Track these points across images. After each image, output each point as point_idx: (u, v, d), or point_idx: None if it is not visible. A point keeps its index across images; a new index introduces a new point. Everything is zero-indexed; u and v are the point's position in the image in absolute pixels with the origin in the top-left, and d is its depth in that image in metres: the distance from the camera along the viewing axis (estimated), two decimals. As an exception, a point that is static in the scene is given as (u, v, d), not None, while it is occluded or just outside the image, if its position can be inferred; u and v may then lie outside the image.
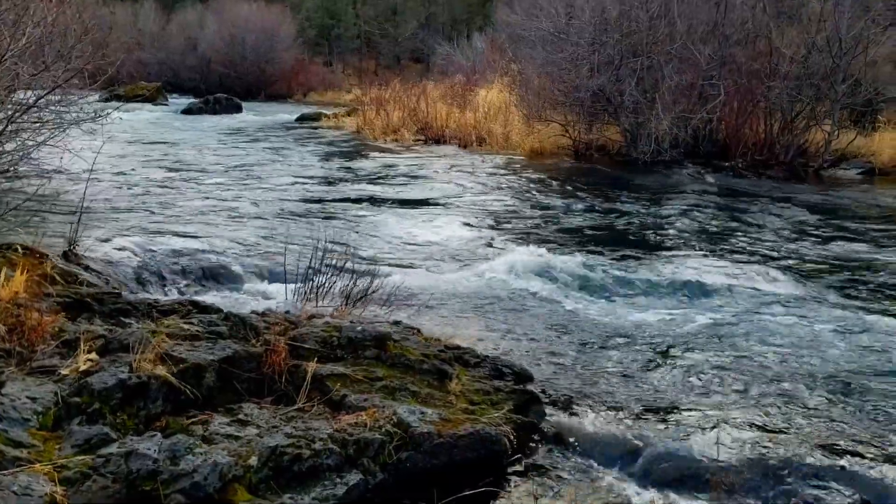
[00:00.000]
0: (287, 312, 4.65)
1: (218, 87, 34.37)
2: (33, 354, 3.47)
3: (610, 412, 3.99)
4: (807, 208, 10.50)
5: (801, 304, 6.12)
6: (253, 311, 4.53)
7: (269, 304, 5.28)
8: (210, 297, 5.45)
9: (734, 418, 3.89)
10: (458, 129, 17.57)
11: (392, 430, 3.21)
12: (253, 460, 2.88)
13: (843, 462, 3.44)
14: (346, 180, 11.99)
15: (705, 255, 7.61)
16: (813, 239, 8.62)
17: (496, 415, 3.56)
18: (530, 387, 4.07)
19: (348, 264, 5.81)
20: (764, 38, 14.20)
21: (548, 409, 3.92)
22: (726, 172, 13.56)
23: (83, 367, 3.29)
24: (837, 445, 3.63)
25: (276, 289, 5.83)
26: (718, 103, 13.72)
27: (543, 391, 4.15)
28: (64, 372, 3.27)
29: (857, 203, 11.11)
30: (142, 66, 36.80)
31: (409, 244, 7.86)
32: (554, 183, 12.21)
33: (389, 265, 6.83)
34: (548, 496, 3.23)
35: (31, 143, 7.06)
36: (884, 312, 5.91)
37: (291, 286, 5.63)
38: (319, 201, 9.97)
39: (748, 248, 8.10)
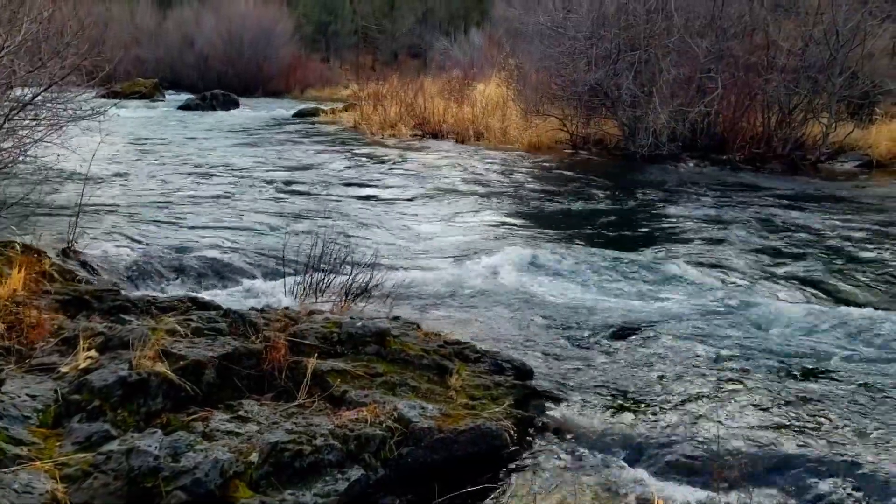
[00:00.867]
0: (287, 308, 4.64)
1: (215, 83, 34.28)
2: (33, 352, 3.47)
3: (611, 406, 3.99)
4: (804, 201, 10.50)
5: (801, 297, 6.13)
6: (252, 308, 4.52)
7: (269, 301, 5.28)
8: (209, 294, 5.45)
9: (736, 412, 3.90)
10: (455, 124, 17.57)
11: (393, 425, 3.21)
12: (254, 457, 2.88)
13: (844, 455, 3.45)
14: (344, 176, 11.98)
15: (705, 249, 7.61)
16: (811, 231, 8.63)
17: (496, 410, 3.56)
18: (530, 382, 4.07)
19: (347, 260, 5.81)
20: (761, 31, 14.20)
21: (548, 404, 3.92)
22: (724, 166, 13.56)
23: (83, 365, 3.29)
24: (839, 438, 3.63)
25: (276, 285, 5.83)
26: (716, 97, 13.72)
27: (543, 386, 4.15)
28: (64, 369, 3.27)
29: (854, 195, 11.11)
30: (139, 63, 36.77)
31: (408, 239, 7.85)
32: (552, 177, 12.20)
33: (388, 261, 6.83)
34: (548, 490, 3.23)
35: (27, 140, 7.04)
36: (882, 304, 5.91)
37: (291, 282, 5.63)
38: (317, 197, 9.96)
39: (747, 241, 8.11)
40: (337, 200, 9.76)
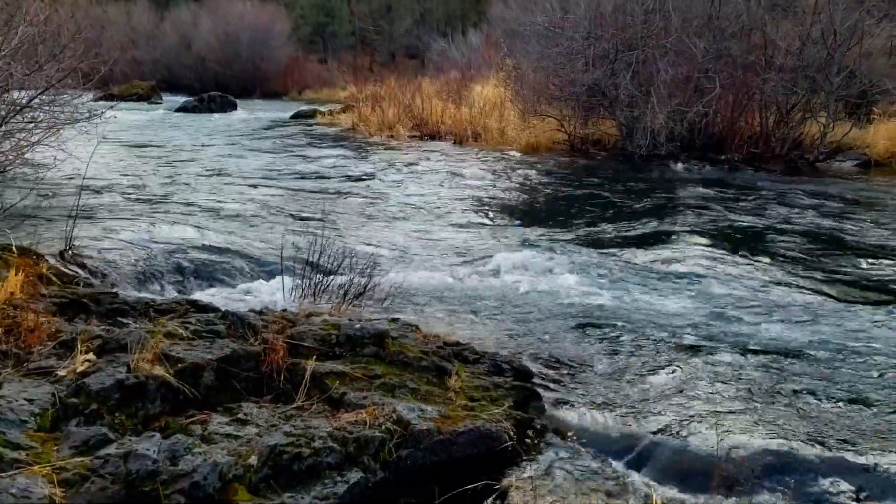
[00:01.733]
0: (285, 310, 4.63)
1: (213, 85, 34.32)
2: (30, 356, 3.45)
3: (610, 407, 3.98)
4: (803, 200, 10.51)
5: (801, 297, 6.12)
6: (251, 310, 4.50)
7: (267, 303, 5.26)
8: (207, 296, 5.43)
9: (736, 413, 3.89)
10: (453, 125, 17.57)
11: (392, 427, 3.20)
12: (253, 459, 2.86)
13: (845, 456, 3.44)
14: (342, 177, 11.97)
15: (703, 249, 7.61)
16: (810, 230, 8.63)
17: (496, 411, 3.55)
18: (530, 383, 4.05)
19: (346, 261, 5.80)
20: (759, 30, 14.20)
21: (548, 405, 3.91)
22: (722, 166, 13.57)
23: (80, 368, 3.27)
24: (840, 439, 3.62)
25: (274, 287, 5.81)
26: (714, 96, 13.72)
27: (543, 387, 4.14)
28: (61, 373, 3.25)
29: (853, 195, 11.11)
30: (136, 65, 36.81)
31: (406, 241, 7.84)
32: (550, 178, 12.20)
33: (387, 262, 6.82)
34: (548, 492, 3.22)
35: (25, 143, 7.03)
36: (881, 302, 5.91)
37: (289, 284, 5.62)
38: (315, 199, 9.95)
39: (746, 241, 8.11)
40: (335, 202, 9.75)
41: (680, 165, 13.50)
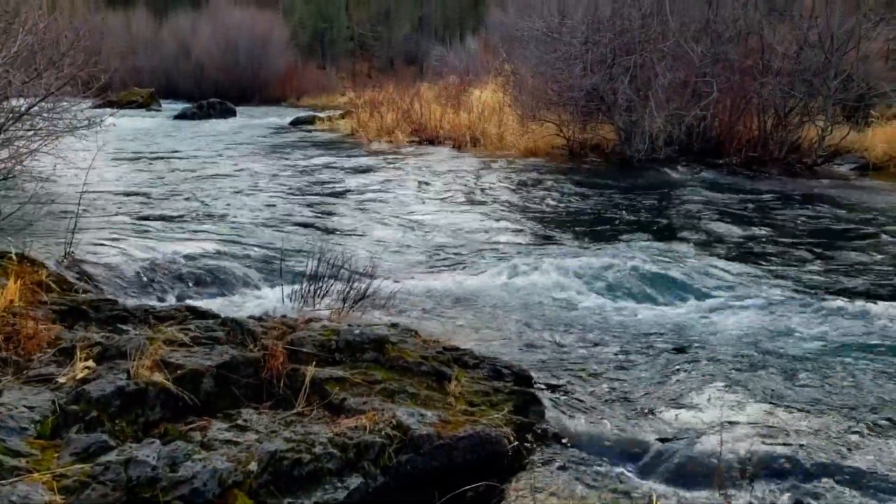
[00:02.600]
0: (284, 316, 4.63)
1: (212, 92, 34.35)
2: (30, 363, 3.45)
3: (610, 411, 3.98)
4: (801, 204, 10.52)
5: (801, 300, 6.12)
6: (250, 316, 4.51)
7: (267, 309, 5.26)
8: (207, 303, 5.44)
9: (737, 415, 3.89)
10: (452, 130, 17.59)
11: (392, 432, 3.20)
12: (252, 466, 2.86)
13: (847, 459, 3.44)
14: (341, 182, 11.99)
15: (703, 253, 7.61)
16: (808, 234, 8.64)
17: (496, 416, 3.55)
18: (530, 388, 4.05)
19: (345, 267, 5.80)
20: (756, 34, 14.23)
21: (548, 410, 3.91)
22: (720, 169, 13.58)
23: (80, 375, 3.28)
24: (842, 442, 3.62)
25: (274, 293, 5.82)
26: (712, 101, 13.74)
27: (543, 391, 4.14)
28: (61, 380, 3.25)
29: (851, 198, 11.12)
30: (135, 73, 36.85)
31: (405, 246, 7.85)
32: (549, 182, 12.21)
33: (386, 267, 6.83)
34: (549, 496, 3.22)
35: (24, 150, 7.03)
36: (881, 305, 5.91)
37: (288, 290, 5.62)
38: (314, 204, 9.96)
39: (744, 245, 8.12)
40: (334, 208, 9.76)
41: (678, 169, 13.51)
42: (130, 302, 4.84)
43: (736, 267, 7.07)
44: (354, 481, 2.99)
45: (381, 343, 4.00)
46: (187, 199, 9.93)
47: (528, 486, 3.29)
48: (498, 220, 9.32)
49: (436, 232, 8.56)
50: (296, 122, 24.13)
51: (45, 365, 3.43)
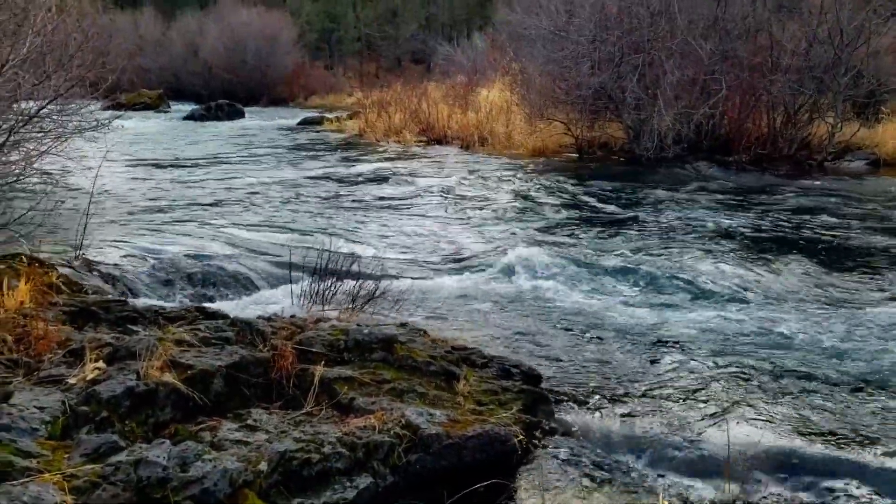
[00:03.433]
0: (293, 316, 4.64)
1: (220, 92, 34.44)
2: (40, 364, 3.47)
3: (618, 409, 3.97)
4: (811, 201, 10.47)
5: (810, 297, 6.10)
6: (259, 316, 4.52)
7: (276, 309, 5.27)
8: (216, 303, 5.45)
9: (744, 413, 3.88)
10: (459, 130, 17.57)
11: (401, 432, 3.21)
12: (262, 466, 2.87)
13: (852, 455, 3.43)
14: (350, 183, 11.99)
15: (711, 251, 7.58)
16: (819, 232, 8.59)
17: (505, 415, 3.55)
18: (538, 386, 4.05)
19: (353, 267, 5.81)
20: (765, 31, 14.16)
21: (556, 408, 3.91)
22: (730, 167, 13.52)
23: (91, 376, 3.29)
24: (847, 438, 3.61)
25: (283, 293, 5.83)
26: (721, 98, 13.68)
27: (552, 390, 4.13)
28: (71, 381, 3.27)
29: (862, 194, 11.06)
30: (143, 74, 36.94)
31: (414, 245, 7.85)
32: (557, 182, 12.19)
33: (395, 267, 6.83)
34: (558, 495, 3.21)
35: (34, 152, 7.06)
36: (891, 301, 5.88)
37: (297, 290, 5.63)
38: (323, 205, 9.97)
39: (754, 242, 8.08)
40: (343, 208, 9.77)
41: (687, 167, 13.46)
42: (140, 303, 4.86)
43: (745, 265, 7.04)
44: (364, 481, 3.00)
45: (389, 343, 4.00)
46: (196, 200, 9.96)
47: (538, 484, 3.28)
48: (506, 220, 9.31)
49: (445, 232, 8.55)
50: (304, 123, 24.15)
51: (55, 366, 3.44)
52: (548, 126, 15.70)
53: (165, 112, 29.64)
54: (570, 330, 5.29)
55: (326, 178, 12.57)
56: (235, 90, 36.22)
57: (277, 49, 39.77)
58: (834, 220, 9.22)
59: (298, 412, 3.36)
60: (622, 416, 3.89)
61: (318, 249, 6.01)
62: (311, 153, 16.42)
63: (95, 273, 5.65)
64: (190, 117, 26.26)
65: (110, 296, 5.03)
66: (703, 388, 4.25)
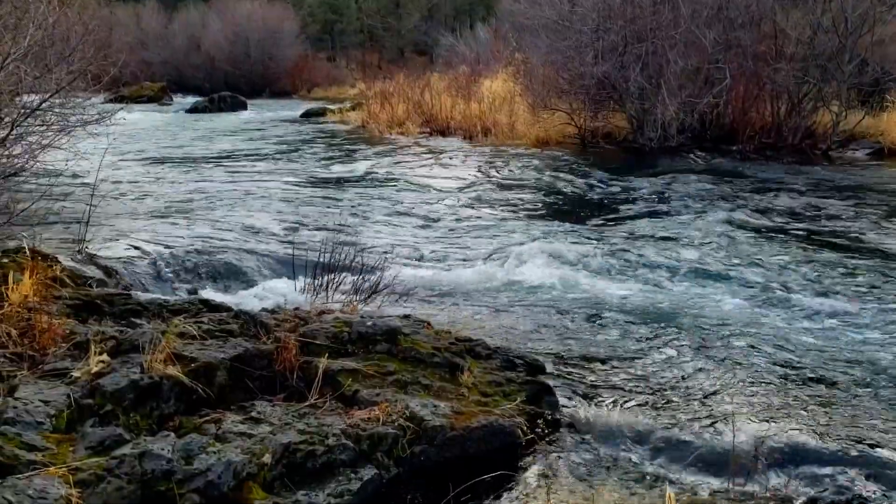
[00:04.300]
0: (297, 309, 4.64)
1: (222, 85, 34.43)
2: (45, 357, 3.47)
3: (623, 400, 3.97)
4: (816, 190, 10.43)
5: (817, 288, 6.08)
6: (263, 309, 4.52)
7: (279, 301, 5.28)
8: (220, 296, 5.45)
9: (750, 404, 3.87)
10: (463, 121, 17.52)
11: (405, 424, 3.20)
12: (267, 458, 2.87)
13: (860, 449, 3.42)
14: (353, 174, 11.98)
15: (716, 242, 7.56)
16: (823, 220, 8.56)
17: (509, 406, 3.55)
18: (543, 377, 4.05)
19: (357, 259, 5.81)
20: (769, 20, 14.08)
21: (561, 399, 3.90)
22: (734, 156, 13.48)
23: (95, 369, 3.29)
24: (856, 432, 3.60)
25: (286, 285, 5.83)
26: (724, 87, 13.62)
27: (556, 382, 4.13)
28: (76, 374, 3.27)
29: (867, 183, 11.02)
30: (145, 67, 36.88)
31: (417, 237, 7.84)
32: (561, 172, 12.16)
33: (398, 258, 6.83)
34: (562, 486, 3.21)
35: (36, 146, 7.06)
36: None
37: (301, 282, 5.63)
38: (326, 196, 9.96)
39: (758, 232, 8.05)
40: (346, 200, 9.76)
41: (691, 157, 13.42)
42: (144, 296, 4.86)
43: (749, 256, 7.02)
44: (368, 473, 3.00)
45: (393, 334, 4.00)
46: (199, 192, 9.95)
47: (542, 474, 3.29)
48: (510, 211, 9.30)
49: (448, 223, 8.54)
50: (307, 115, 24.12)
51: (59, 359, 3.45)
52: (551, 116, 15.65)
53: (168, 105, 29.63)
54: (574, 321, 5.29)
55: (329, 169, 12.56)
56: (238, 83, 36.21)
57: (280, 41, 39.70)
58: (838, 209, 9.18)
59: (302, 404, 3.36)
60: (626, 407, 3.89)
61: (320, 241, 6.01)
62: (314, 145, 16.40)
63: (99, 266, 5.66)
64: (192, 110, 26.25)
65: (114, 289, 5.03)
66: (709, 381, 4.24)
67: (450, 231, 8.14)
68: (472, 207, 9.44)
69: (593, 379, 4.27)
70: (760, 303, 5.66)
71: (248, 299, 5.54)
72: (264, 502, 2.76)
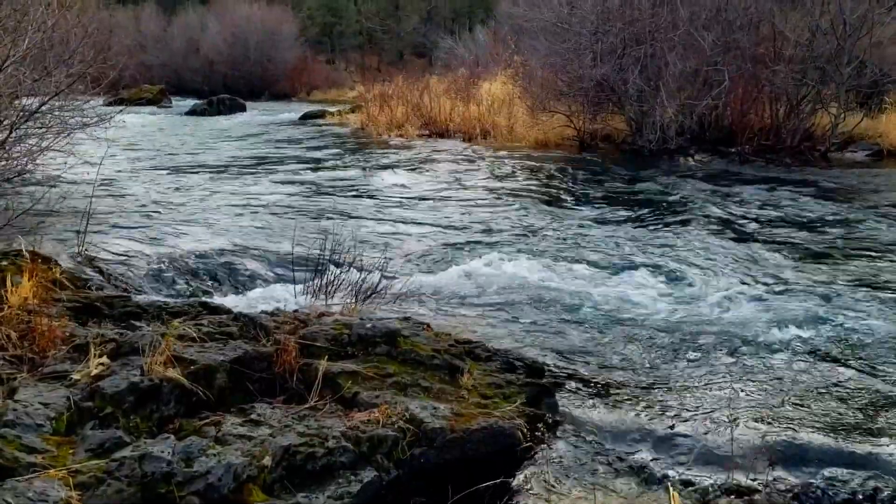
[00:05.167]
0: (296, 311, 4.64)
1: (221, 87, 34.47)
2: (45, 360, 3.47)
3: (623, 401, 3.97)
4: (815, 192, 10.44)
5: (815, 289, 6.08)
6: (262, 311, 4.52)
7: (279, 304, 5.27)
8: (219, 298, 5.45)
9: (751, 406, 3.87)
10: (462, 123, 17.55)
11: (405, 426, 3.20)
12: (267, 460, 2.87)
13: (862, 446, 3.42)
14: (352, 177, 11.98)
15: (715, 244, 7.57)
16: (822, 222, 8.57)
17: (509, 408, 3.55)
18: (542, 379, 4.05)
19: (356, 261, 5.81)
20: (767, 22, 14.10)
21: (561, 401, 3.90)
22: (733, 158, 13.49)
23: (95, 372, 3.29)
24: (857, 429, 3.60)
25: (286, 288, 5.83)
26: (723, 89, 13.64)
27: (556, 383, 4.13)
28: (76, 377, 3.27)
29: (866, 185, 11.03)
30: (144, 69, 36.88)
31: (416, 239, 7.84)
32: (559, 174, 12.17)
33: (398, 261, 6.83)
34: (563, 487, 3.21)
35: (36, 148, 7.07)
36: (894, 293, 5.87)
37: (300, 285, 5.63)
38: (326, 199, 9.96)
39: (757, 234, 8.07)
40: (345, 202, 9.76)
41: (690, 159, 13.44)
42: (143, 298, 4.86)
43: (748, 257, 7.03)
44: (368, 475, 3.00)
45: (393, 336, 4.00)
46: (199, 194, 9.95)
47: (542, 477, 3.28)
48: (509, 213, 9.30)
49: (447, 226, 8.54)
50: (306, 117, 24.12)
51: (59, 362, 3.45)
52: (550, 118, 15.67)
53: (167, 107, 29.63)
54: (573, 322, 5.29)
55: (328, 171, 12.56)
56: (237, 85, 36.23)
57: (279, 44, 39.75)
58: (837, 210, 9.19)
59: (302, 406, 3.36)
60: (627, 408, 3.89)
61: (320, 244, 6.01)
62: (313, 147, 16.40)
63: (98, 269, 5.66)
64: (191, 112, 26.26)
65: (114, 291, 5.03)
66: (709, 382, 4.25)
67: (449, 234, 8.13)
68: (471, 209, 9.44)
69: (593, 380, 4.27)
70: (760, 303, 5.66)
71: (247, 302, 5.54)
72: (264, 505, 2.76)
